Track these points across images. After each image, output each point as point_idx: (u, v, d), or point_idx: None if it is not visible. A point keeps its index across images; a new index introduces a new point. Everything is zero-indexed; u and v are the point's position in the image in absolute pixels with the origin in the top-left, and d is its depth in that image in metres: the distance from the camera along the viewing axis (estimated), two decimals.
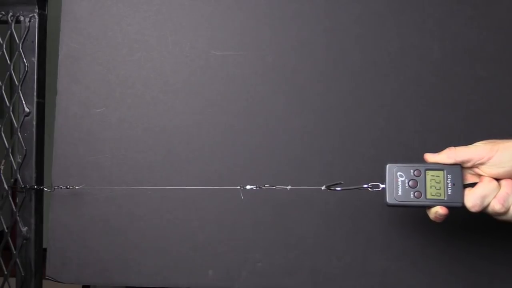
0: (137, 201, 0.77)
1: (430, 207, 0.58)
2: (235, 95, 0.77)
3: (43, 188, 0.78)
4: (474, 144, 0.58)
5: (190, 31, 0.79)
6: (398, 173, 0.59)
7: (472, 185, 0.57)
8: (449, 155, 0.58)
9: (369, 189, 0.62)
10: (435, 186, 0.58)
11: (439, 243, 0.72)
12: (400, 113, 0.74)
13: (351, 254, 0.73)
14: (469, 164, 0.57)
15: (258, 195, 0.73)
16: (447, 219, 0.58)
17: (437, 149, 0.60)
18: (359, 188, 0.62)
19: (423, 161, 0.60)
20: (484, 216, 0.58)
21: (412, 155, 0.72)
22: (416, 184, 0.59)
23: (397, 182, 0.59)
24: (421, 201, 0.58)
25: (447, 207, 0.57)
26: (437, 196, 0.58)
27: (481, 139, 0.58)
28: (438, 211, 0.57)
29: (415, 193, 0.58)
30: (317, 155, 0.75)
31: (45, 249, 0.79)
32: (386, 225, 0.73)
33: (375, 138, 0.74)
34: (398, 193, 0.59)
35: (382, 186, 0.60)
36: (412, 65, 0.74)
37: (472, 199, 0.56)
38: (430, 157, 0.59)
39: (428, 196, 0.58)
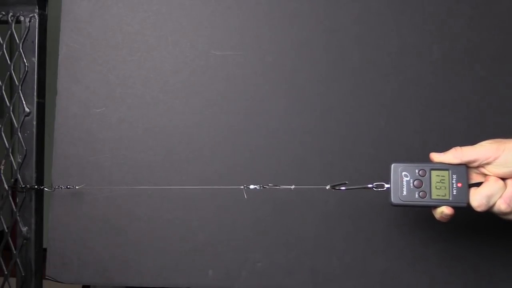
0: (137, 201, 0.77)
1: (435, 207, 0.58)
2: (235, 95, 0.77)
3: (43, 188, 0.78)
4: (479, 143, 0.57)
5: (190, 31, 0.79)
6: (403, 173, 0.59)
7: (478, 184, 0.57)
8: (455, 155, 0.58)
9: (373, 189, 0.61)
10: (440, 186, 0.58)
11: (439, 243, 0.72)
12: (400, 113, 0.74)
13: (351, 254, 0.73)
14: (475, 164, 0.57)
15: (258, 195, 0.73)
16: (451, 220, 0.58)
17: (437, 149, 0.60)
18: (363, 188, 0.62)
19: (426, 160, 0.60)
20: (484, 216, 0.58)
21: (412, 155, 0.72)
22: (421, 184, 0.58)
23: (402, 182, 0.59)
24: (426, 201, 0.58)
25: (452, 207, 0.57)
26: (442, 196, 0.58)
27: (481, 139, 0.58)
28: (444, 211, 0.57)
29: (420, 193, 0.58)
30: (317, 155, 0.75)
31: (45, 249, 0.79)
32: (386, 225, 0.73)
33: (375, 138, 0.74)
34: (403, 193, 0.59)
35: (386, 186, 0.60)
36: (412, 65, 0.74)
37: (478, 199, 0.56)
38: (435, 157, 0.59)
39: (433, 196, 0.58)
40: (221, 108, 0.77)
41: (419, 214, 0.72)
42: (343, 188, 0.63)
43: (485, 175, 0.57)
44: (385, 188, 0.60)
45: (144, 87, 0.78)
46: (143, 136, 0.78)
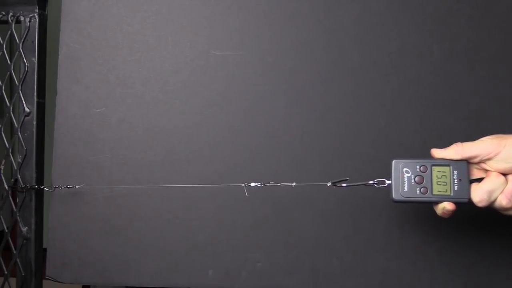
0: (137, 201, 0.77)
1: (436, 203, 0.58)
2: (235, 95, 0.77)
3: (43, 188, 0.78)
4: (480, 139, 0.58)
5: (190, 31, 0.79)
6: (404, 169, 0.59)
7: (479, 180, 0.57)
8: (456, 151, 0.58)
9: (375, 185, 0.61)
10: (442, 182, 0.58)
11: (439, 243, 0.72)
12: (400, 113, 0.74)
13: (351, 254, 0.73)
14: (476, 160, 0.57)
15: (258, 195, 0.73)
16: (452, 215, 0.58)
17: None
18: (365, 184, 0.62)
19: (428, 156, 0.60)
20: (484, 214, 0.58)
21: (412, 155, 0.71)
22: (422, 180, 0.58)
23: (403, 178, 0.59)
24: (427, 197, 0.58)
25: (454, 202, 0.57)
26: (443, 192, 0.58)
27: None
28: (446, 207, 0.57)
29: (421, 189, 0.58)
30: (317, 155, 0.75)
31: (45, 249, 0.79)
32: (386, 224, 0.73)
33: (375, 138, 0.74)
34: (404, 189, 0.59)
35: (388, 182, 0.60)
36: (412, 65, 0.74)
37: (479, 194, 0.56)
38: (437, 153, 0.59)
39: (435, 192, 0.58)
40: (221, 108, 0.77)
41: (419, 213, 0.72)
42: (344, 185, 0.63)
43: (486, 170, 0.57)
44: (386, 185, 0.60)
45: (144, 87, 0.79)
46: (143, 136, 0.78)
